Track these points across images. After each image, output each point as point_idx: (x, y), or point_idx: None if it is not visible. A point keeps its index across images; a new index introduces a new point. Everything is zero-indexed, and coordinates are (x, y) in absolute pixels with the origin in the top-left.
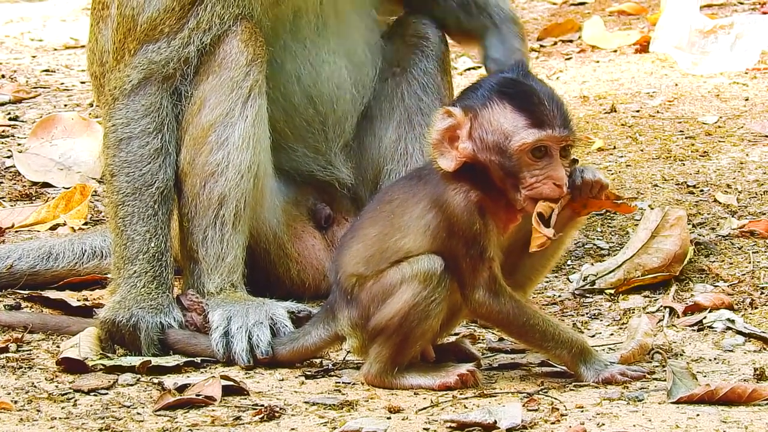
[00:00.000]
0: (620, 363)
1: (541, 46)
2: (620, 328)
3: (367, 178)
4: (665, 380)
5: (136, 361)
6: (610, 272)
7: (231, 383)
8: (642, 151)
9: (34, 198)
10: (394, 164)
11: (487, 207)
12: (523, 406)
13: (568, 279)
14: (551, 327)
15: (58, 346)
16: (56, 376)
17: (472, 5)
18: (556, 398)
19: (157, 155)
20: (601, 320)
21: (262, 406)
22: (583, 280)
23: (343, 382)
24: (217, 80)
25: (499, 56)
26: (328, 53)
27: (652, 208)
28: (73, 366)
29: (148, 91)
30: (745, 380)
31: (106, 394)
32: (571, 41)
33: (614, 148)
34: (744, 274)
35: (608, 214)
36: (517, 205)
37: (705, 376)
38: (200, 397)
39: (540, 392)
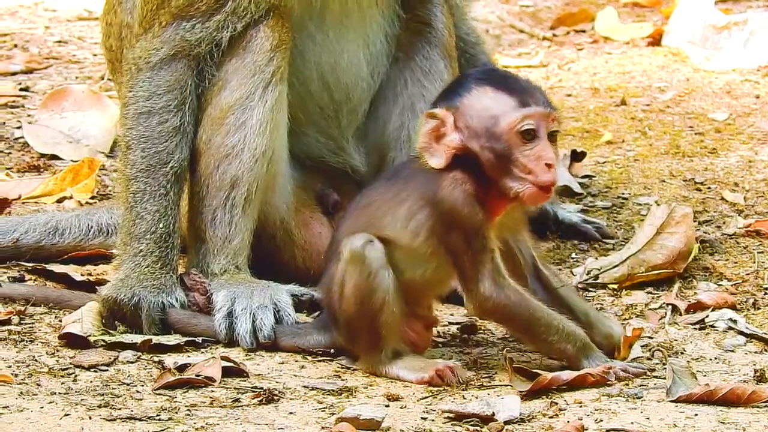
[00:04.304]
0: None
1: (554, 35)
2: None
3: (372, 165)
4: (665, 378)
5: (137, 338)
6: (614, 267)
7: (231, 364)
8: (651, 145)
9: (41, 170)
10: (397, 152)
11: (481, 197)
12: (522, 399)
13: (572, 272)
14: (555, 320)
15: (60, 320)
16: (57, 351)
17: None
18: (555, 392)
19: (175, 133)
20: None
21: (261, 388)
22: (587, 274)
23: (343, 367)
24: (241, 63)
25: None
26: (349, 43)
27: (658, 204)
28: (75, 341)
29: (175, 67)
30: (744, 381)
31: (107, 370)
32: (584, 31)
33: (623, 141)
34: (748, 274)
35: (614, 207)
36: (510, 193)
37: (705, 376)
38: (200, 378)
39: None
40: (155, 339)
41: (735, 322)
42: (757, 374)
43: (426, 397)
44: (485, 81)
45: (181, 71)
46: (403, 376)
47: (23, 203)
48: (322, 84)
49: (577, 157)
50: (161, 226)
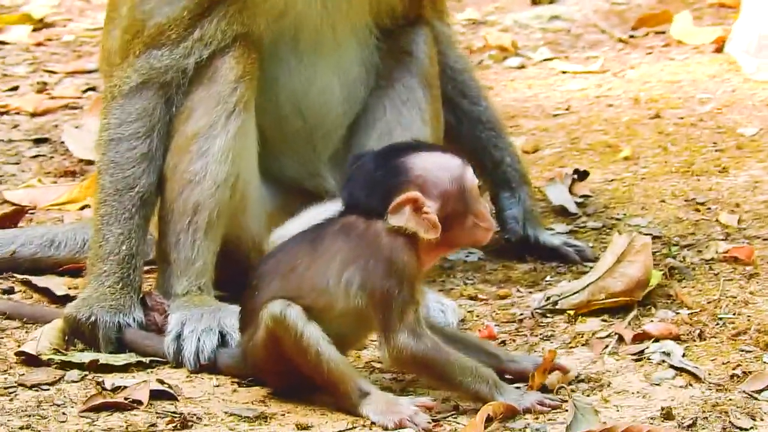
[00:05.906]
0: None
1: (631, 36)
2: (567, 352)
3: None
4: None
5: (86, 357)
6: (575, 293)
7: (163, 387)
8: (666, 162)
9: (78, 175)
10: None
11: (416, 247)
12: None
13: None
14: (468, 362)
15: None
16: (11, 368)
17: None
18: (461, 424)
19: (143, 159)
20: (552, 342)
21: (180, 414)
22: (546, 300)
23: (273, 393)
24: (206, 93)
25: (517, 215)
26: (322, 69)
27: (620, 233)
28: (30, 359)
29: (145, 95)
30: (651, 418)
31: (48, 390)
32: (663, 32)
33: (639, 157)
34: (708, 302)
35: (604, 229)
36: (468, 241)
37: (618, 411)
38: (128, 401)
39: (449, 418)
40: (103, 359)
41: (669, 354)
42: (664, 411)
43: (342, 431)
44: (416, 150)
45: (150, 99)
46: (373, 419)
47: (47, 210)
48: (295, 109)
49: (580, 176)
50: (124, 248)
